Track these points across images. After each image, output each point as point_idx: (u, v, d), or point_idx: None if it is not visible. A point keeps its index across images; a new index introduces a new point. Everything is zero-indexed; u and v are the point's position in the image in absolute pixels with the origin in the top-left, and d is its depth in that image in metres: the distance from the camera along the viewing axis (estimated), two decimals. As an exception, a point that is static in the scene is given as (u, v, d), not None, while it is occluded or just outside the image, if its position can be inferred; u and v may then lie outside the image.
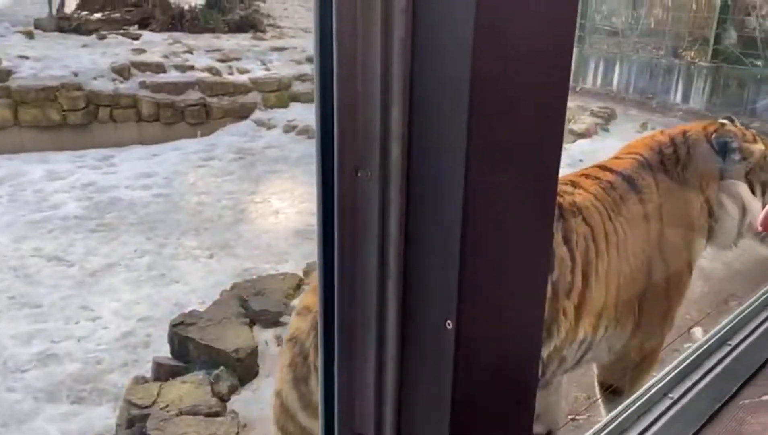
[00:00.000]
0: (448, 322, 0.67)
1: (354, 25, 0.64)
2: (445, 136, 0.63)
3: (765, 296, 1.99)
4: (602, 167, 2.07)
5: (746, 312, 1.91)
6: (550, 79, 0.67)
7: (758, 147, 2.11)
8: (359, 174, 0.68)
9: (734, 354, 1.73)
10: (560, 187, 1.90)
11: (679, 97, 10.45)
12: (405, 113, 0.65)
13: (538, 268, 0.74)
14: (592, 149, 7.61)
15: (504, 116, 0.64)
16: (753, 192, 2.09)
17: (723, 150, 2.04)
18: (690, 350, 1.72)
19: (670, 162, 2.05)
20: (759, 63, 10.09)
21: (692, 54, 10.82)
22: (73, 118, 8.71)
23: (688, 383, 1.60)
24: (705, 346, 1.74)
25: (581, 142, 8.34)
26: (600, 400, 2.24)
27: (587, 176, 2.03)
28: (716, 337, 1.78)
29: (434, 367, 0.71)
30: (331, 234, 0.71)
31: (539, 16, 0.64)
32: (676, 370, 1.62)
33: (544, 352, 1.86)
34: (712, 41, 10.40)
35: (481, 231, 0.65)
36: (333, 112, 0.67)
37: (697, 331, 3.35)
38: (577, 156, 7.06)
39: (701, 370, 1.66)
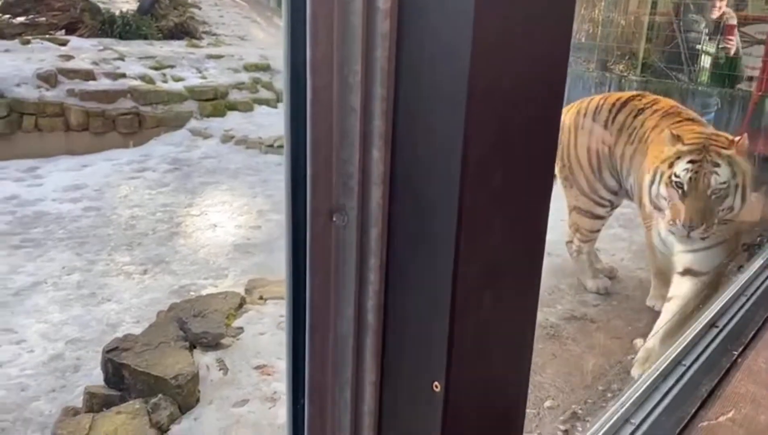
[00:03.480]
0: (436, 384, 0.60)
1: (330, 53, 0.56)
2: (435, 182, 0.56)
3: (712, 315, 2.01)
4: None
5: (696, 331, 1.93)
6: (542, 134, 0.62)
7: None
8: (335, 219, 0.61)
9: (689, 374, 1.74)
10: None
11: (611, 110, 10.78)
12: (387, 154, 0.58)
13: (528, 326, 0.68)
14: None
15: (497, 162, 0.58)
16: None
17: None
18: (647, 374, 1.71)
19: None
20: (682, 77, 10.54)
21: (621, 68, 11.21)
22: (-6, 126, 8.25)
23: (648, 407, 1.58)
24: (660, 368, 1.73)
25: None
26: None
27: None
28: (670, 358, 1.78)
29: (418, 429, 0.64)
30: (303, 284, 0.63)
31: (533, 60, 0.58)
32: (636, 395, 1.61)
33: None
34: (641, 56, 10.81)
35: (473, 285, 0.59)
36: (305, 150, 0.59)
37: (638, 342, 3.44)
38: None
39: (659, 394, 1.65)
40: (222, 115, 9.70)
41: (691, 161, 2.67)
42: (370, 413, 0.65)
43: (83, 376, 4.20)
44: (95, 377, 3.68)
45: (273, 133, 9.13)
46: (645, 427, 1.52)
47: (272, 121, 9.81)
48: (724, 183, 2.64)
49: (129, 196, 7.59)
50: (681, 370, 1.75)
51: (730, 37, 7.73)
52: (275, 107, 10.26)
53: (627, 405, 1.57)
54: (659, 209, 2.82)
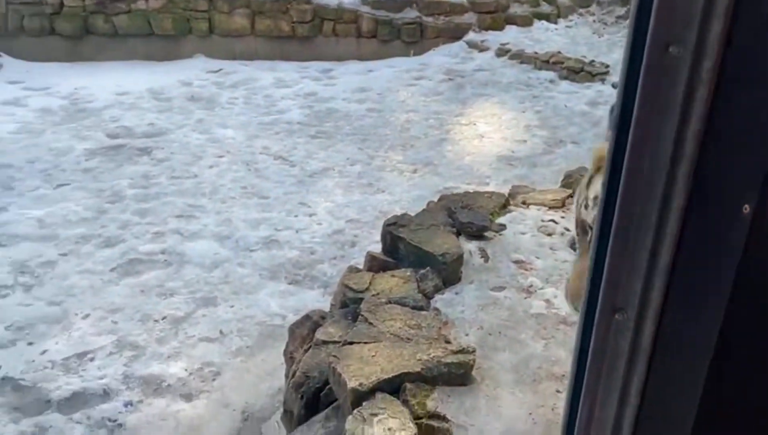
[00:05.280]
0: (746, 206, 0.67)
1: None
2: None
3: None
4: None
5: None
6: None
7: None
8: (670, 49, 0.69)
9: None
10: None
11: None
12: (734, -13, 0.64)
13: None
14: None
15: None
16: None
17: None
18: None
19: None
20: None
21: None
22: (300, 30, 9.32)
23: None
24: None
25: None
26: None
27: None
28: None
29: (720, 252, 0.71)
30: (630, 108, 0.73)
31: None
32: None
33: None
34: None
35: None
36: (655, -16, 0.67)
37: None
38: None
39: None
40: (500, 28, 9.73)
41: None
42: (672, 234, 0.74)
43: (358, 251, 4.82)
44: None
45: (549, 49, 8.95)
46: None
47: (549, 37, 9.59)
48: None
49: (406, 101, 8.15)
50: None
51: None
52: (555, 23, 9.97)
53: None
54: None
